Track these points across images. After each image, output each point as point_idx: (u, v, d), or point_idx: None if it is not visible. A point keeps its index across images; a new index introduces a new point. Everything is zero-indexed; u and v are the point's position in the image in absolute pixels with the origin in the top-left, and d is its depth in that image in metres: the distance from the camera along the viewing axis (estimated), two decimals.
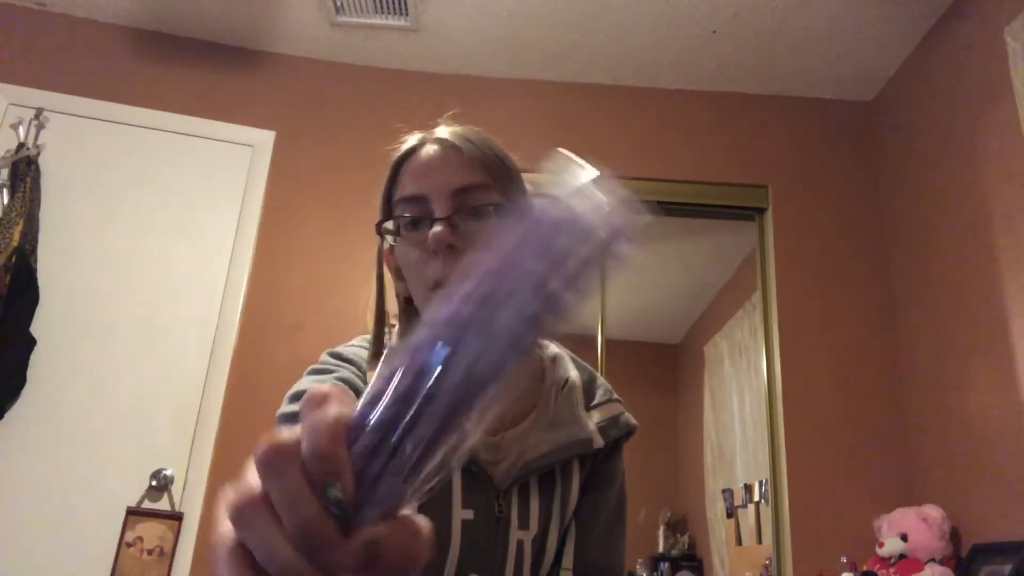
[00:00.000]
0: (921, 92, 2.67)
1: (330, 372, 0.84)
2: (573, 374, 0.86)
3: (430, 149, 0.83)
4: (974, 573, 2.04)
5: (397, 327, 0.87)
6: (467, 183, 0.80)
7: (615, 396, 0.88)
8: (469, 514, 0.75)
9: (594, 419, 0.83)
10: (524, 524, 0.77)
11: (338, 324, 2.64)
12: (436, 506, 0.75)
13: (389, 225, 0.82)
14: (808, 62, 2.83)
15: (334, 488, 0.33)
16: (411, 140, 0.87)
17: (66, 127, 2.65)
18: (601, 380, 0.89)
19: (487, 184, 0.81)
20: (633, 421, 0.87)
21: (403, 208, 0.80)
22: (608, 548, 0.83)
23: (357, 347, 0.89)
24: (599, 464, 0.84)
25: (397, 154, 0.85)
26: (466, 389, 0.33)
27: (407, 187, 0.81)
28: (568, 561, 0.79)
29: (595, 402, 0.85)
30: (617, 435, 0.84)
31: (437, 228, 0.76)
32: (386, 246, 0.86)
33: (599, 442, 0.81)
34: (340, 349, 0.90)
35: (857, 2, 2.53)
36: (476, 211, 0.79)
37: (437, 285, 0.76)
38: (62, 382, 2.41)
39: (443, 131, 0.86)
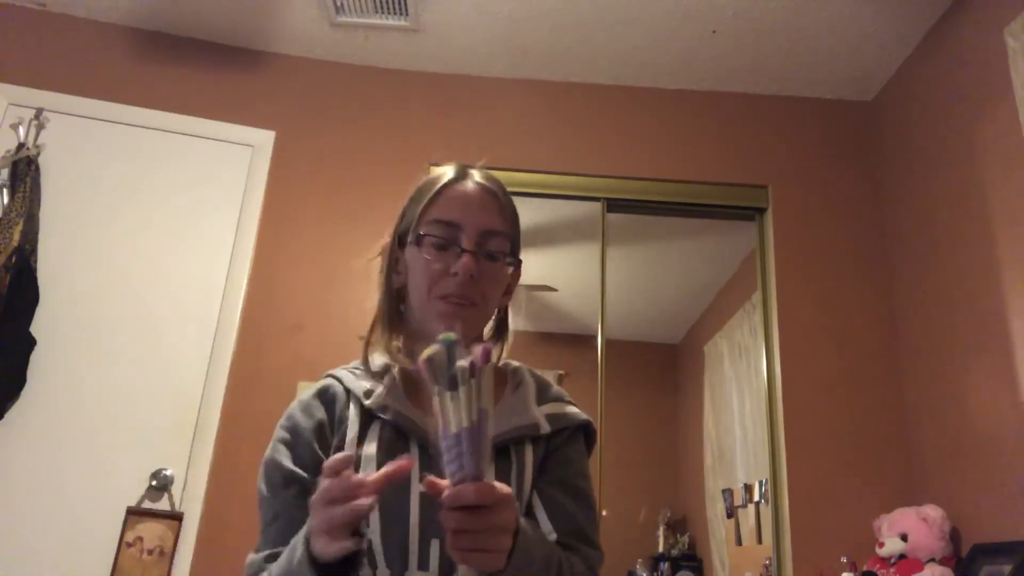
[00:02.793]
0: (921, 92, 2.67)
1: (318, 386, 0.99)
2: (528, 380, 1.02)
3: (471, 185, 0.99)
4: (974, 573, 2.04)
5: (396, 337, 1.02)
6: (494, 228, 0.97)
7: (567, 398, 1.03)
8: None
9: (546, 410, 0.98)
10: None
11: (338, 324, 2.64)
12: (398, 484, 0.84)
13: (419, 232, 0.96)
14: (808, 62, 2.83)
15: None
16: (453, 170, 1.00)
17: (66, 127, 2.65)
18: (556, 388, 1.04)
19: (506, 233, 0.98)
20: (584, 416, 1.01)
21: (436, 228, 0.95)
22: (575, 513, 0.94)
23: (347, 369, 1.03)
24: (554, 449, 0.97)
25: (441, 180, 0.99)
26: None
27: (445, 211, 0.96)
28: (546, 526, 0.91)
29: (546, 400, 1.01)
30: (567, 424, 0.99)
31: (466, 259, 0.93)
32: (401, 250, 0.99)
33: (546, 428, 0.96)
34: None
35: (857, 2, 2.53)
36: (492, 254, 0.97)
37: (444, 298, 0.94)
38: (62, 382, 2.41)
39: (481, 174, 1.01)
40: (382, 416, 0.93)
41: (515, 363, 1.06)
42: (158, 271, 2.59)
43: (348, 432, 0.92)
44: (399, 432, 0.92)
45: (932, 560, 2.15)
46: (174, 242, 2.63)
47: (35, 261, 2.44)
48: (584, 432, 1.02)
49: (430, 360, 0.68)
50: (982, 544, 2.08)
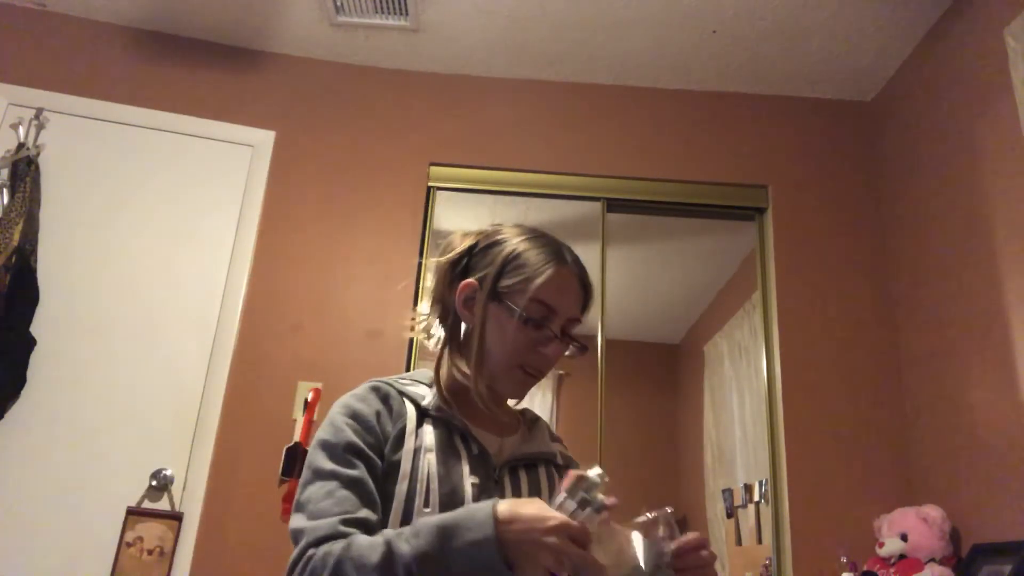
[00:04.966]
0: (921, 92, 2.67)
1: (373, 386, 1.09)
2: (541, 420, 1.23)
3: (571, 275, 1.10)
4: (974, 573, 2.04)
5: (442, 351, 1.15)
6: (576, 316, 1.11)
7: (563, 442, 1.25)
8: (476, 479, 1.02)
9: (556, 447, 1.20)
10: (516, 492, 1.06)
11: (338, 324, 2.65)
12: (454, 473, 1.01)
13: (519, 304, 1.06)
14: (808, 62, 2.83)
15: None
16: (551, 249, 1.11)
17: (66, 127, 2.65)
18: (553, 430, 1.26)
19: (580, 320, 1.12)
20: (574, 462, 1.22)
21: (537, 309, 1.06)
22: None
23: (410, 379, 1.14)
24: None
25: (546, 260, 1.08)
26: None
27: (547, 294, 1.06)
28: None
29: (554, 439, 1.22)
30: (567, 463, 1.20)
31: (556, 347, 1.07)
32: (482, 297, 1.09)
33: (559, 460, 1.18)
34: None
35: (857, 2, 2.53)
36: (567, 337, 1.10)
37: (522, 368, 1.08)
38: (62, 382, 2.41)
39: (579, 263, 1.13)
40: (435, 415, 1.06)
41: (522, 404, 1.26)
42: (158, 271, 2.59)
43: (408, 424, 1.03)
44: (449, 430, 1.05)
45: (932, 560, 2.15)
46: (174, 242, 2.63)
47: (35, 261, 2.44)
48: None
49: (582, 478, 0.83)
50: (982, 544, 2.08)
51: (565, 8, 2.65)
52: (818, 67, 2.86)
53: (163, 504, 2.36)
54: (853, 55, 2.78)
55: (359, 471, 0.96)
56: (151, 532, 2.30)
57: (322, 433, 1.02)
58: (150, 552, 2.28)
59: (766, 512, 2.64)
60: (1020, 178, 2.11)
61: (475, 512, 0.83)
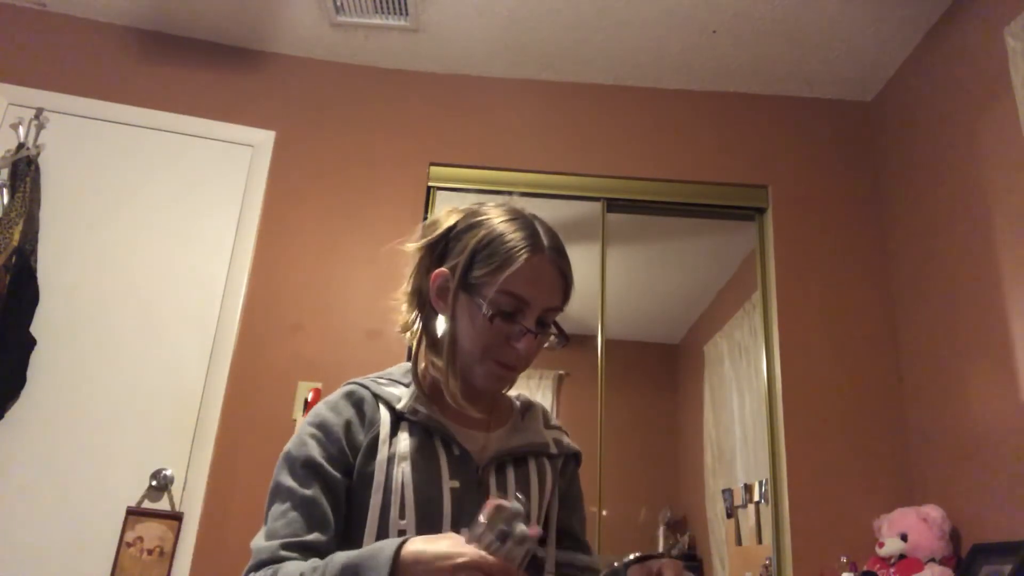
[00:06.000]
0: (921, 92, 2.67)
1: (344, 391, 1.06)
2: (536, 406, 1.18)
3: (545, 263, 1.01)
4: (974, 573, 2.04)
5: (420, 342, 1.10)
6: (554, 306, 1.03)
7: (563, 428, 1.19)
8: (456, 483, 0.98)
9: (551, 435, 1.14)
10: (502, 491, 1.01)
11: (338, 324, 2.64)
12: (432, 480, 0.97)
13: (487, 296, 0.98)
14: (808, 62, 2.83)
15: None
16: (525, 233, 1.01)
17: (66, 127, 2.65)
18: (552, 415, 1.21)
19: (560, 308, 1.05)
20: (576, 447, 1.17)
21: (506, 301, 0.99)
22: (583, 531, 1.18)
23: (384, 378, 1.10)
24: (568, 481, 1.16)
25: (518, 248, 1.00)
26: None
27: (517, 285, 0.99)
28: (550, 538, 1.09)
29: (551, 425, 1.17)
30: (566, 451, 1.15)
31: (528, 340, 1.00)
32: (453, 286, 1.02)
33: (553, 449, 1.12)
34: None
35: (857, 2, 2.53)
36: (545, 326, 1.03)
37: (494, 361, 1.01)
38: (62, 382, 2.42)
39: (549, 239, 1.03)
40: (411, 419, 1.01)
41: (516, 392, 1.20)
42: (158, 271, 2.59)
43: (380, 431, 0.99)
44: (427, 433, 1.01)
45: (932, 560, 2.15)
46: (174, 242, 2.63)
47: (35, 261, 2.44)
48: (576, 460, 1.19)
49: (500, 508, 0.77)
50: (982, 544, 2.08)
51: (565, 8, 2.65)
52: (818, 67, 2.86)
53: (163, 504, 2.36)
54: (853, 55, 2.78)
55: (313, 490, 0.94)
56: (151, 532, 2.30)
57: (289, 444, 1.01)
58: (150, 552, 2.28)
59: (766, 512, 2.64)
60: (1020, 177, 2.11)
61: (380, 552, 0.80)
